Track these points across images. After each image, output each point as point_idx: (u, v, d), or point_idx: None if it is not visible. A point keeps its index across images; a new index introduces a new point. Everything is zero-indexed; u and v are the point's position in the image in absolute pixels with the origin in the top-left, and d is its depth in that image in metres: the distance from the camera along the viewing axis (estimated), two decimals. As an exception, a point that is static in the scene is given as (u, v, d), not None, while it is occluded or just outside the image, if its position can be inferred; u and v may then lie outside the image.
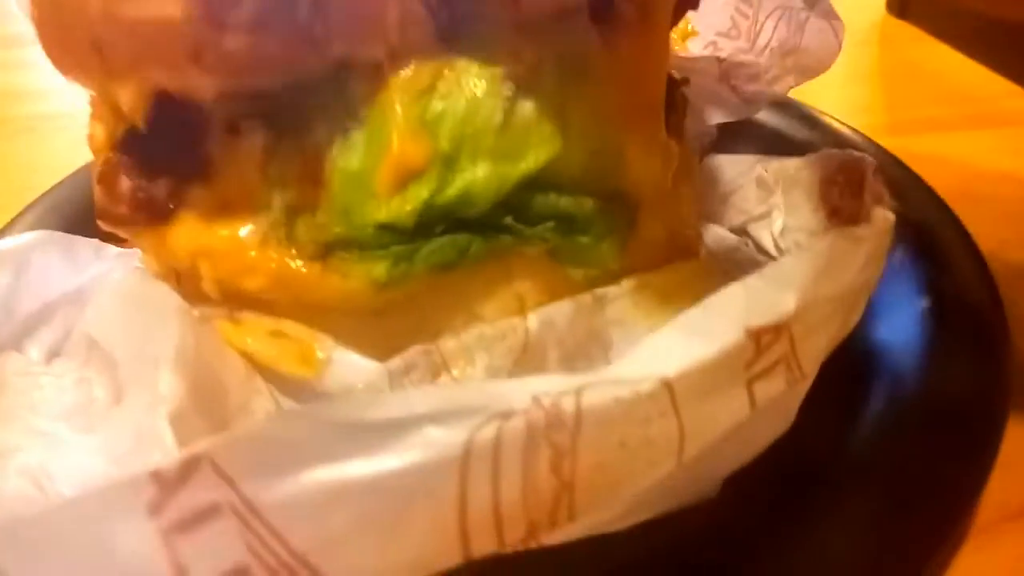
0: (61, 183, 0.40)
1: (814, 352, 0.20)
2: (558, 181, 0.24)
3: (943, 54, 0.62)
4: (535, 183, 0.24)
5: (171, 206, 0.24)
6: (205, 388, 0.22)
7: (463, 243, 0.24)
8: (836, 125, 0.44)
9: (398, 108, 0.23)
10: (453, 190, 0.23)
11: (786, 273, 0.19)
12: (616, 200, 0.25)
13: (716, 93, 0.37)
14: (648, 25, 0.25)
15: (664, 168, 0.27)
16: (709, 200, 0.35)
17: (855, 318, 0.22)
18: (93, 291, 0.28)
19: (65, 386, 0.25)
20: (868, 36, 0.67)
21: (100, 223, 0.25)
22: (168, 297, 0.24)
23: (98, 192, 0.25)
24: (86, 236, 0.29)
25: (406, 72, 0.23)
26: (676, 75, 0.30)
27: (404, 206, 0.23)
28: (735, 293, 0.18)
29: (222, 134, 0.24)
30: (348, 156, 0.24)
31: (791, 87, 0.36)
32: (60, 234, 0.30)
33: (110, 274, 0.27)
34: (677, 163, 0.29)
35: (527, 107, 0.24)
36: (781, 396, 0.20)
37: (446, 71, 0.24)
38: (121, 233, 0.25)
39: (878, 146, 0.41)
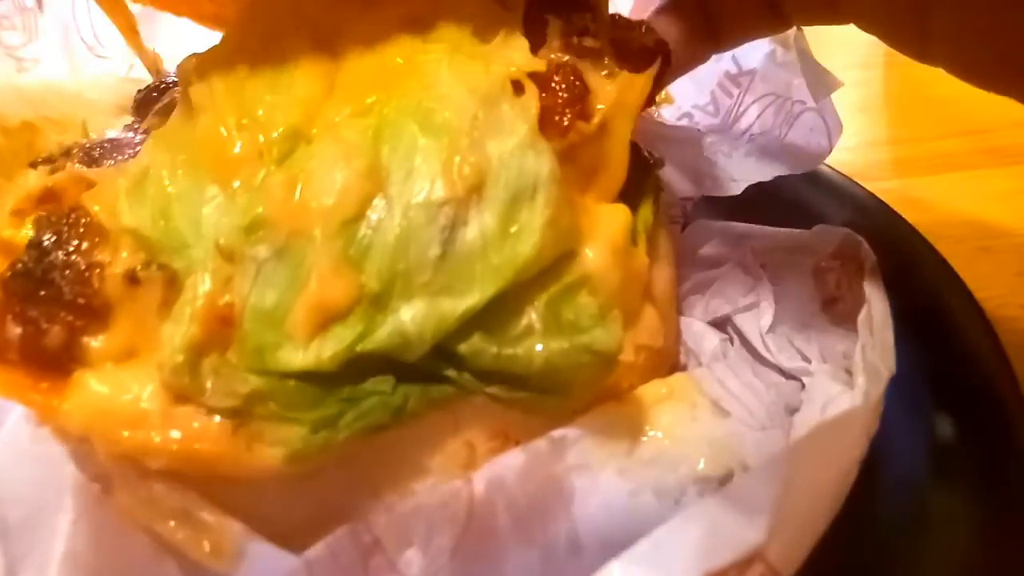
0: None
1: (796, 557, 0.17)
2: (504, 317, 0.21)
3: (953, 78, 0.58)
4: (479, 322, 0.21)
5: (64, 358, 0.21)
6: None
7: (397, 401, 0.21)
8: (836, 179, 0.40)
9: (318, 236, 0.20)
10: (383, 333, 0.20)
11: (755, 494, 0.16)
12: (574, 331, 0.22)
13: (697, 166, 0.33)
14: (607, 137, 0.22)
15: (627, 278, 0.24)
16: (689, 283, 0.32)
17: (843, 495, 0.19)
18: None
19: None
20: (874, 58, 0.63)
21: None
22: (64, 465, 0.21)
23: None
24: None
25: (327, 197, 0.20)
26: (651, 154, 0.27)
27: (324, 351, 0.20)
28: (696, 522, 0.15)
29: (122, 283, 0.20)
30: (262, 291, 0.20)
31: (770, 176, 0.33)
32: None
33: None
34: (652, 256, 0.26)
35: (470, 233, 0.21)
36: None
37: (376, 197, 0.20)
38: (4, 387, 0.22)
39: (883, 204, 0.37)
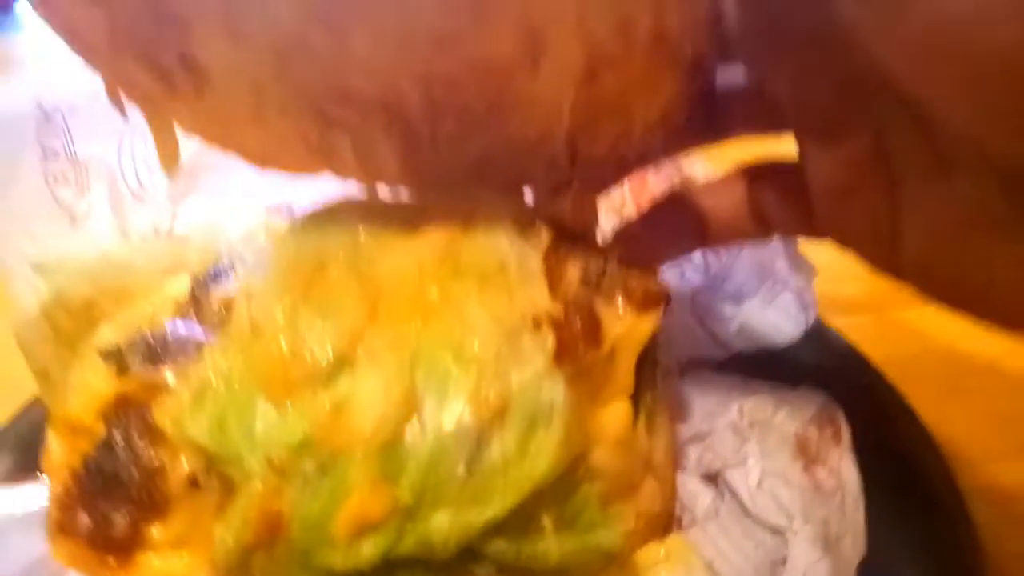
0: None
1: None
2: (522, 522, 0.24)
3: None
4: (500, 528, 0.24)
5: (127, 544, 0.24)
6: None
7: (424, 591, 0.23)
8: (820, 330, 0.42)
9: (359, 456, 0.23)
10: (413, 540, 0.23)
11: None
12: (583, 530, 0.25)
13: (688, 327, 0.36)
14: (615, 360, 0.25)
15: (636, 467, 0.27)
16: (686, 434, 0.35)
17: None
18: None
19: None
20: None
21: (53, 552, 0.25)
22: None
23: (52, 522, 0.24)
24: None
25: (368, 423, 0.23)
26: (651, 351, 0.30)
27: (362, 555, 0.23)
28: None
29: (183, 485, 0.23)
30: (309, 502, 0.23)
31: (750, 348, 0.36)
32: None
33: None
34: (651, 426, 0.29)
35: (493, 452, 0.23)
36: None
37: (411, 420, 0.23)
38: (75, 564, 0.24)
39: (863, 364, 0.39)
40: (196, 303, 0.29)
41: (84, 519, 0.24)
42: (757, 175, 0.29)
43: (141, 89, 0.27)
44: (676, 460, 0.33)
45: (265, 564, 0.24)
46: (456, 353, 0.24)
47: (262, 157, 0.32)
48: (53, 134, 0.38)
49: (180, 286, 0.32)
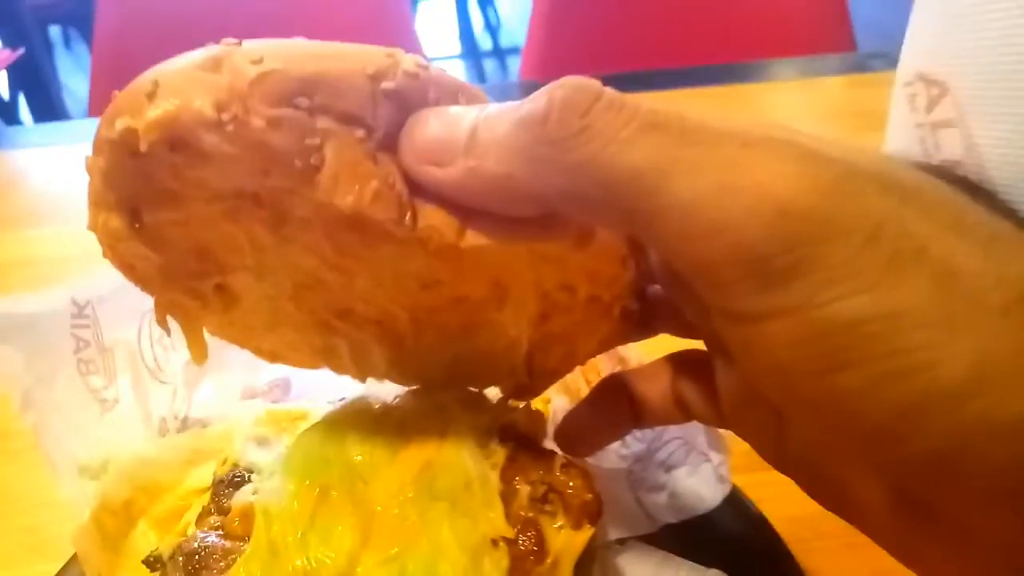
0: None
1: None
2: None
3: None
4: None
5: None
6: None
7: None
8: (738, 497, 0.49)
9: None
10: None
11: None
12: None
13: (623, 504, 0.44)
14: (556, 569, 0.32)
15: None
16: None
17: None
18: None
19: None
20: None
21: None
22: None
23: None
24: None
25: None
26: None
27: None
28: None
29: None
30: None
31: (678, 519, 0.43)
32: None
33: None
34: None
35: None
36: None
37: None
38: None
39: (767, 529, 0.46)
40: (219, 507, 0.36)
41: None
42: (680, 367, 0.36)
43: (180, 307, 0.33)
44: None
45: None
46: (430, 574, 0.31)
47: (272, 355, 0.39)
48: (84, 325, 0.44)
49: (202, 478, 0.39)
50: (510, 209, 0.26)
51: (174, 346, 0.48)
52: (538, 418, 0.39)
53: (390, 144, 0.26)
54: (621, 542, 0.42)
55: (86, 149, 0.27)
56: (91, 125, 0.28)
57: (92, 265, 0.38)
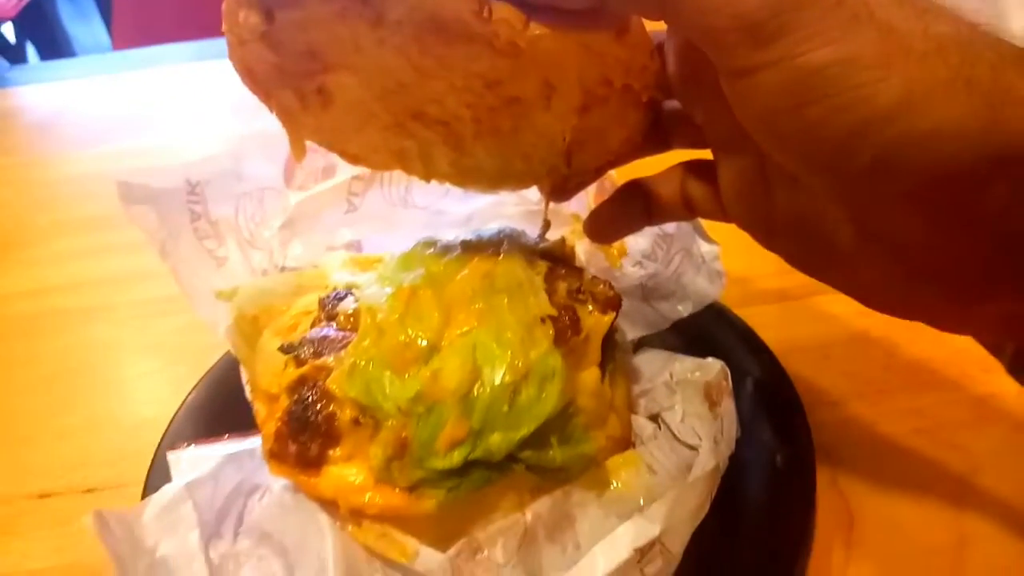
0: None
1: (678, 542, 0.39)
2: (538, 438, 0.42)
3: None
4: (526, 443, 0.42)
5: (318, 461, 0.42)
6: (349, 570, 0.41)
7: (486, 476, 0.42)
8: (731, 318, 0.61)
9: (448, 402, 0.41)
10: (480, 450, 0.41)
11: (656, 511, 0.38)
12: (575, 443, 0.43)
13: (640, 310, 0.55)
14: (588, 343, 0.44)
15: (604, 407, 0.46)
16: (638, 390, 0.54)
17: (705, 509, 0.41)
18: (252, 490, 0.46)
19: (250, 562, 0.43)
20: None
21: (271, 468, 0.43)
22: (318, 513, 0.42)
23: (270, 448, 0.43)
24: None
25: (452, 384, 0.41)
26: (614, 331, 0.48)
27: (452, 460, 0.41)
28: (631, 527, 0.37)
29: (349, 424, 0.41)
30: (422, 431, 0.41)
31: (689, 311, 0.54)
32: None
33: (264, 484, 0.45)
34: (615, 384, 0.48)
35: (522, 398, 0.42)
36: (661, 567, 0.39)
37: (476, 382, 0.42)
38: (286, 475, 0.43)
39: (755, 339, 0.58)
40: (328, 314, 0.47)
41: (291, 447, 0.42)
42: (688, 171, 0.43)
43: (286, 108, 0.41)
44: (630, 405, 0.52)
45: (400, 467, 0.42)
46: (498, 342, 0.42)
47: (355, 158, 0.46)
48: (196, 201, 0.54)
49: (308, 302, 0.50)
50: (567, 1, 0.32)
51: (265, 222, 0.58)
52: (568, 249, 0.50)
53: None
54: (637, 345, 0.53)
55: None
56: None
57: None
